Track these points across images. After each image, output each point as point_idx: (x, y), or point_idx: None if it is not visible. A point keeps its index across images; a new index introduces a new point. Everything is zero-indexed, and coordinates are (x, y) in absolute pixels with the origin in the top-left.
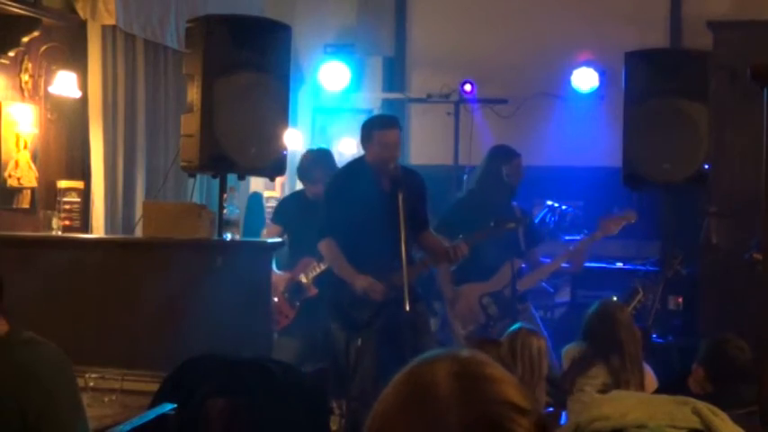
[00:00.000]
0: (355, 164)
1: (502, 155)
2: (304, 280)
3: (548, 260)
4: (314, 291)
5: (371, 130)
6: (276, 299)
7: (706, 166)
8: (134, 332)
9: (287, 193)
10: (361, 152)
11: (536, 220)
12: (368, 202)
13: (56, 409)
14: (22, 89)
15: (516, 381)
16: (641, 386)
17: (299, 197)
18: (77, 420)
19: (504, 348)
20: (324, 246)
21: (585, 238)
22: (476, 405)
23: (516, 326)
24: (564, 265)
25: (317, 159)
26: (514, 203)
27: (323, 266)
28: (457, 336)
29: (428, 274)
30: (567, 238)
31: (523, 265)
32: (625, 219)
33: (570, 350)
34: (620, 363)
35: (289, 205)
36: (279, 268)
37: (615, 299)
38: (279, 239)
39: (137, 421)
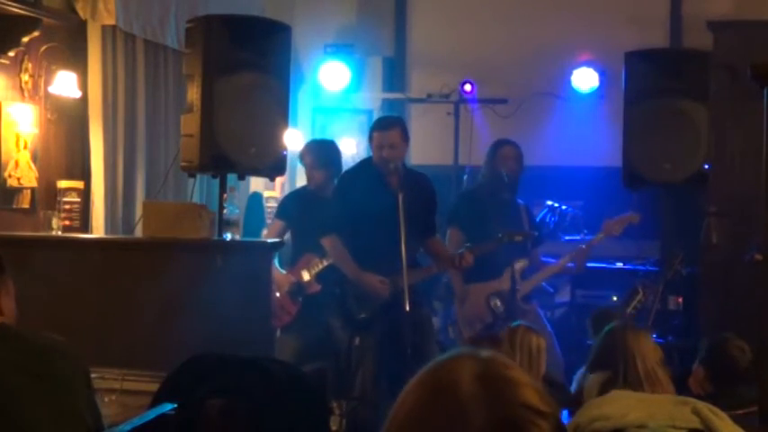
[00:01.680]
0: (365, 163)
1: (493, 151)
2: (306, 277)
3: (549, 260)
4: (316, 287)
5: (371, 131)
6: (278, 294)
7: (706, 166)
8: (134, 332)
9: (287, 192)
10: (361, 152)
11: (536, 221)
12: (373, 201)
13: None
14: (22, 89)
15: (536, 383)
16: (669, 388)
17: (302, 193)
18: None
19: (503, 345)
20: (328, 242)
21: (591, 240)
22: (499, 408)
23: (516, 323)
24: (569, 264)
25: (324, 146)
26: (521, 202)
27: (325, 262)
28: (464, 334)
29: (430, 275)
30: (566, 238)
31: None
32: (628, 220)
33: (593, 381)
34: (651, 389)
35: (292, 201)
36: (281, 265)
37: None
38: (279, 240)
39: (137, 421)
